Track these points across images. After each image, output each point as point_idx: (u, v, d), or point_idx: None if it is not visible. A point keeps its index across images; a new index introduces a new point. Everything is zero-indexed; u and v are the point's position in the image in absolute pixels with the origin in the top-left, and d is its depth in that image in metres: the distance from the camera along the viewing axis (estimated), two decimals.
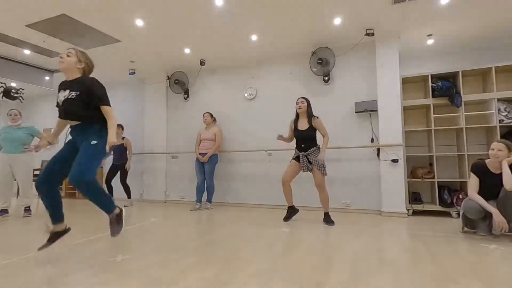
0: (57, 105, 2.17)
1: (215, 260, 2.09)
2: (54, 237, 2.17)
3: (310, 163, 3.33)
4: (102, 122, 2.13)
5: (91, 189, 1.99)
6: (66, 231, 2.24)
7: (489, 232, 2.70)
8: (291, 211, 3.56)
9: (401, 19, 3.55)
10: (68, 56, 2.12)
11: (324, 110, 4.34)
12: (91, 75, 2.26)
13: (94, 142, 2.06)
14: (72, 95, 2.05)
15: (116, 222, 2.12)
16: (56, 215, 2.18)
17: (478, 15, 3.42)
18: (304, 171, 3.38)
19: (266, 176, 4.66)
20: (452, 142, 4.20)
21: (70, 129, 2.19)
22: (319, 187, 3.32)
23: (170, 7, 3.25)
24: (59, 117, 2.20)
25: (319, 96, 4.41)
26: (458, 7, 3.25)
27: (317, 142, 3.42)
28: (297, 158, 3.44)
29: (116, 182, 5.10)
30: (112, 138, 2.06)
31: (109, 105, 2.14)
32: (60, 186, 2.31)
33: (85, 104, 2.07)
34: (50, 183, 2.09)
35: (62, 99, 2.09)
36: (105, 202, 2.09)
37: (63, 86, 2.16)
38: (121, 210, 2.21)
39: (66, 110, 2.07)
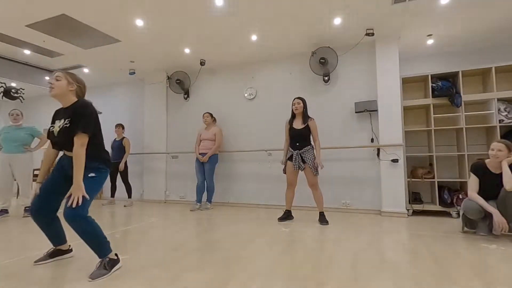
0: (49, 136, 1.96)
1: (215, 260, 2.09)
2: (56, 254, 2.12)
3: (304, 162, 3.34)
4: (98, 155, 1.91)
5: (84, 228, 1.77)
6: (69, 251, 2.19)
7: (489, 232, 2.70)
8: (288, 215, 3.58)
9: (401, 19, 3.55)
10: (57, 80, 1.89)
11: (324, 110, 4.34)
12: (85, 95, 2.05)
13: (91, 174, 1.84)
14: (66, 124, 1.84)
15: (104, 267, 1.82)
16: (56, 239, 2.09)
17: (478, 15, 3.42)
18: (295, 169, 3.39)
19: (266, 176, 4.66)
20: (452, 142, 4.20)
21: (62, 156, 1.97)
22: (312, 187, 3.35)
23: (170, 7, 3.24)
24: (55, 148, 2.00)
25: (319, 96, 4.41)
26: (458, 7, 3.25)
27: (311, 142, 3.44)
28: (290, 158, 3.45)
29: (117, 181, 5.12)
30: (78, 182, 1.74)
31: (85, 132, 1.80)
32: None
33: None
34: (44, 214, 1.96)
35: (58, 129, 1.88)
36: (99, 243, 1.84)
37: (59, 115, 1.96)
38: (117, 259, 1.92)
39: (63, 141, 1.87)
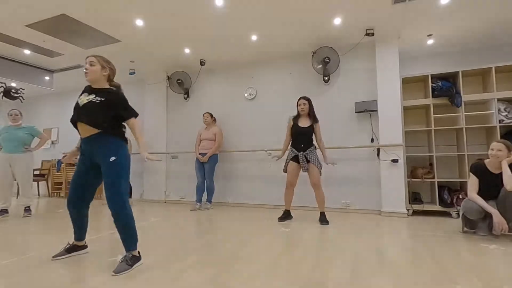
0: (75, 107, 2.02)
1: (215, 260, 2.09)
2: (73, 249, 2.21)
3: (308, 161, 3.35)
4: (116, 134, 2.00)
5: (125, 216, 1.93)
6: (84, 247, 2.28)
7: (489, 232, 2.70)
8: (287, 215, 3.59)
9: (401, 19, 3.55)
10: (91, 65, 2.00)
11: (324, 110, 4.34)
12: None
13: (112, 158, 1.92)
14: (97, 100, 1.94)
15: (126, 262, 1.92)
16: (80, 234, 2.20)
17: (478, 15, 3.42)
18: (303, 171, 3.40)
19: (266, 176, 4.66)
20: (452, 142, 4.20)
21: (82, 141, 2.03)
22: (315, 186, 3.35)
23: (170, 7, 3.24)
24: (72, 119, 2.02)
25: (319, 96, 4.41)
26: (458, 7, 3.25)
27: (313, 143, 3.47)
28: (294, 158, 3.45)
29: None
30: (143, 150, 1.97)
31: (135, 116, 2.05)
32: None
33: (107, 113, 1.94)
34: (78, 205, 2.09)
35: (85, 101, 1.96)
36: (131, 235, 1.97)
37: (89, 90, 2.04)
38: (139, 256, 2.02)
39: (87, 112, 1.94)
